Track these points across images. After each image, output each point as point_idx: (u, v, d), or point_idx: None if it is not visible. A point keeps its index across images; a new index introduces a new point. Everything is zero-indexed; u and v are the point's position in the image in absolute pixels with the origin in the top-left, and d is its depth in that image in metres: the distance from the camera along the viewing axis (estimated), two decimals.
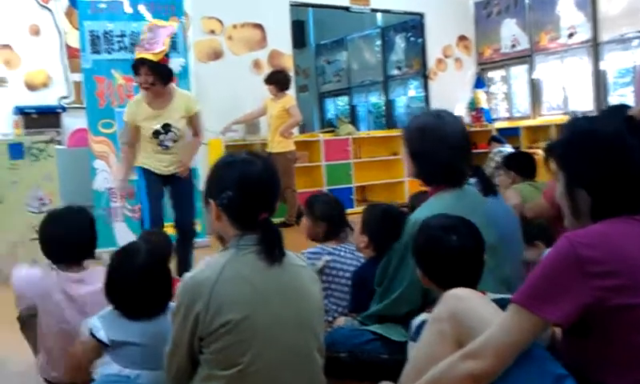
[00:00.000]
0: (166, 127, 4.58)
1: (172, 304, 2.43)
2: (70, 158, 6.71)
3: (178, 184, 4.76)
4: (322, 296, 2.22)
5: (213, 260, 1.93)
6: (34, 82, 8.03)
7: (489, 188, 3.63)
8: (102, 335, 2.25)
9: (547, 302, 1.65)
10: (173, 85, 4.70)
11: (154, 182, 4.71)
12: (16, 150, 5.99)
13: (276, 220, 7.57)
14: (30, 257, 6.00)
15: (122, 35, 6.60)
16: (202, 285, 1.85)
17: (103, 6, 6.68)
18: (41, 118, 7.72)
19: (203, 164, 7.72)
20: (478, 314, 1.84)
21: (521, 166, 4.65)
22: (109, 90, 6.51)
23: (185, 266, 4.56)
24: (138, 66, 4.45)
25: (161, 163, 4.68)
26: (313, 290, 2.03)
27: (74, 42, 7.68)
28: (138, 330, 2.29)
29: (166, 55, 4.61)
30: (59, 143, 7.40)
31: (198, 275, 1.89)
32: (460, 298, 1.90)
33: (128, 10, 6.74)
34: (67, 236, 2.75)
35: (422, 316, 2.16)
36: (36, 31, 8.04)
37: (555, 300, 1.65)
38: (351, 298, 3.10)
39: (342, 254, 3.31)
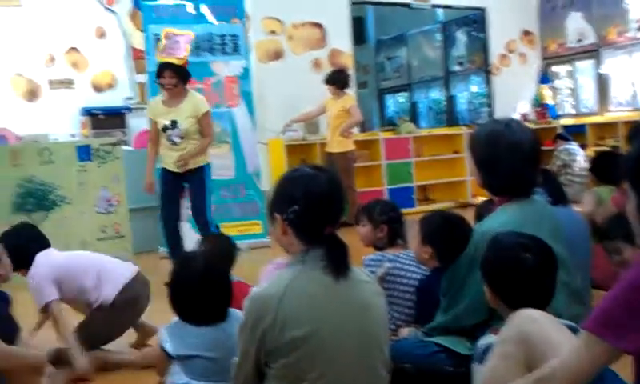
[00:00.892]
0: (174, 123, 5.02)
1: (233, 311, 2.48)
2: (136, 159, 6.82)
3: (190, 182, 5.19)
4: (386, 308, 2.20)
5: (279, 276, 1.93)
6: (100, 83, 8.24)
7: (559, 197, 3.56)
8: (169, 347, 2.29)
9: (621, 331, 1.59)
10: (189, 89, 5.18)
11: (170, 182, 5.18)
12: (84, 152, 6.16)
13: None
14: None
15: None
16: (268, 301, 1.85)
17: (167, 9, 6.78)
18: (107, 119, 7.93)
19: (264, 164, 7.81)
20: (548, 338, 1.79)
21: (601, 168, 4.44)
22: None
23: None
24: (163, 69, 4.95)
25: (171, 159, 5.10)
26: (378, 305, 2.01)
27: (139, 44, 7.85)
28: (202, 342, 2.33)
29: (187, 60, 5.14)
30: (125, 143, 7.58)
31: (265, 291, 1.90)
32: (531, 320, 1.85)
33: (191, 12, 6.82)
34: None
35: (488, 338, 2.11)
36: (102, 34, 8.26)
37: (630, 328, 1.58)
38: (416, 308, 3.07)
39: (404, 261, 3.27)
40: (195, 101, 5.10)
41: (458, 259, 2.54)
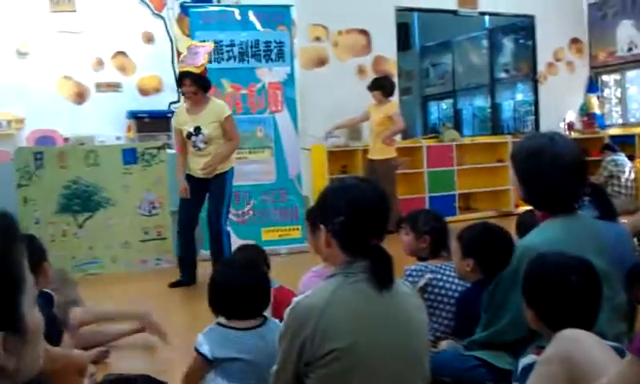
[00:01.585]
0: (197, 130, 5.20)
1: (272, 320, 2.50)
2: None
3: (213, 185, 5.34)
4: (427, 322, 2.18)
5: (322, 286, 1.93)
6: (147, 87, 8.37)
7: (607, 212, 3.46)
8: (206, 350, 2.31)
9: None
10: (211, 96, 5.41)
11: (192, 188, 5.29)
12: (129, 155, 6.26)
13: None
14: (139, 257, 6.33)
15: (232, 45, 6.76)
16: (309, 311, 1.85)
17: (214, 16, 6.86)
18: (152, 122, 8.03)
19: (306, 169, 7.82)
20: (592, 359, 1.75)
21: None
22: (218, 98, 6.66)
23: (216, 259, 5.21)
24: (182, 78, 5.17)
25: (197, 166, 5.26)
26: (419, 319, 2.00)
27: (185, 48, 7.94)
28: (241, 346, 2.35)
29: (205, 68, 5.35)
30: (169, 146, 7.67)
31: (307, 301, 1.89)
32: (574, 340, 1.81)
33: (238, 19, 6.88)
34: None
35: (530, 358, 2.07)
36: (149, 38, 8.38)
37: None
38: (456, 321, 3.03)
39: (446, 272, 3.23)
40: (217, 106, 5.31)
41: (499, 274, 2.50)
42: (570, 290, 1.96)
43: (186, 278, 5.41)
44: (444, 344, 2.94)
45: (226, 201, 5.43)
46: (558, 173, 2.38)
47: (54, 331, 2.79)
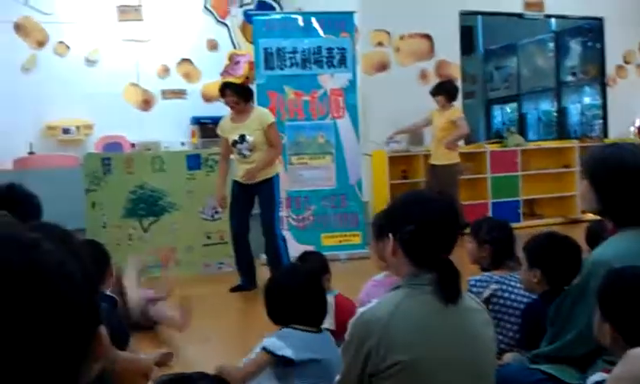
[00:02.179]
0: (242, 137, 5.28)
1: (327, 333, 2.54)
2: None
3: (259, 194, 5.40)
4: (495, 338, 2.13)
5: (388, 298, 1.91)
6: (210, 93, 8.48)
7: None
8: (289, 353, 2.33)
9: None
10: (254, 104, 5.54)
11: (239, 193, 5.41)
12: (193, 161, 6.37)
13: None
14: (202, 260, 6.42)
15: (294, 52, 6.80)
16: (374, 323, 1.83)
17: (277, 23, 6.92)
18: (215, 128, 8.13)
19: (366, 175, 7.80)
20: None
21: None
22: (280, 105, 6.73)
23: (272, 262, 5.33)
24: (224, 89, 5.29)
25: (241, 172, 5.35)
26: (486, 335, 1.96)
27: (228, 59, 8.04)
28: (313, 347, 2.38)
29: (247, 77, 5.53)
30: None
31: (371, 312, 1.88)
32: None
33: (301, 26, 6.92)
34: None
35: (598, 376, 2.01)
36: (213, 46, 8.51)
37: None
38: (521, 333, 2.97)
39: (511, 283, 3.17)
40: (260, 114, 5.41)
41: (567, 288, 2.45)
42: None
43: (246, 282, 5.46)
44: (509, 357, 2.89)
45: (277, 206, 5.50)
46: (637, 185, 2.33)
47: (122, 334, 2.86)
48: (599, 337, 2.04)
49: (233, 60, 5.44)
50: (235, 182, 5.45)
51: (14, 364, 0.74)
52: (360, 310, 1.95)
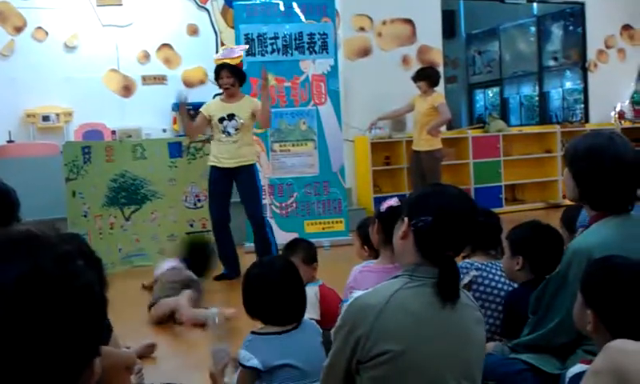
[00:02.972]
0: (231, 116, 5.31)
1: (309, 322, 2.50)
2: None
3: (242, 179, 5.37)
4: (485, 337, 2.13)
5: (384, 285, 1.90)
6: (192, 79, 8.44)
7: None
8: (256, 363, 2.30)
9: None
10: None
11: (218, 180, 5.38)
12: (175, 149, 6.33)
13: None
14: None
15: (275, 37, 6.76)
16: (367, 310, 1.83)
17: (258, 8, 6.86)
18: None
19: (349, 161, 7.80)
20: None
21: None
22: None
23: (262, 251, 5.33)
24: (220, 69, 5.30)
25: (222, 155, 5.33)
26: (477, 335, 1.97)
27: (229, 41, 7.97)
28: (286, 350, 2.33)
29: (241, 62, 5.59)
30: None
31: (366, 298, 1.87)
32: (627, 353, 1.75)
33: (282, 11, 6.87)
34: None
35: (578, 367, 2.02)
36: (194, 31, 8.43)
37: None
38: (502, 322, 2.98)
39: (492, 270, 3.17)
40: (251, 100, 5.48)
41: (548, 276, 2.46)
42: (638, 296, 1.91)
43: (230, 270, 5.46)
44: (490, 346, 2.89)
45: (260, 192, 5.55)
46: (618, 173, 2.34)
47: (104, 326, 2.83)
48: (580, 325, 2.04)
49: (226, 49, 5.52)
50: (214, 168, 5.41)
51: (25, 365, 0.80)
52: (354, 294, 1.95)
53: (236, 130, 5.32)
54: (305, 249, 3.51)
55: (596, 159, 2.39)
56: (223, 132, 5.33)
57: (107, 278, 2.84)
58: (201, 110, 5.50)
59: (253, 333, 2.39)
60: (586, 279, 2.03)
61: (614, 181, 2.34)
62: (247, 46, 5.83)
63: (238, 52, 5.41)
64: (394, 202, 2.94)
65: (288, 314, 2.40)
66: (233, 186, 5.48)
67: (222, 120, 5.33)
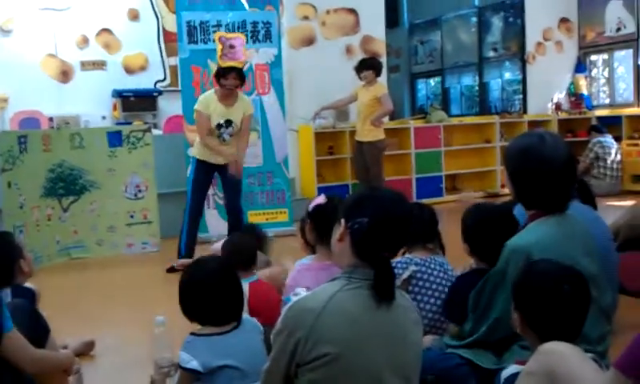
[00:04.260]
0: (228, 122, 5.30)
1: (248, 318, 2.50)
2: (165, 144, 6.88)
3: (226, 175, 5.45)
4: (422, 338, 2.16)
5: (322, 288, 1.92)
6: (132, 65, 8.28)
7: (590, 203, 3.50)
8: (195, 365, 2.28)
9: None
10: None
11: (204, 173, 5.46)
12: (115, 138, 6.21)
13: None
14: (125, 240, 6.31)
15: (218, 25, 6.66)
16: (306, 313, 1.84)
17: None
18: (138, 101, 7.97)
19: (293, 151, 7.80)
20: (575, 373, 1.76)
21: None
22: (204, 79, 6.62)
23: None
24: (228, 71, 5.25)
25: (215, 154, 5.36)
26: (414, 336, 1.99)
27: (171, 27, 7.86)
28: (226, 351, 2.32)
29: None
30: (155, 126, 7.62)
31: (305, 301, 1.89)
32: (558, 354, 1.82)
33: None
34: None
35: (512, 368, 2.08)
36: (135, 16, 8.28)
37: None
38: (445, 303, 2.98)
39: (430, 266, 3.22)
40: (245, 102, 5.48)
41: (487, 274, 2.50)
42: (562, 300, 1.96)
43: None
44: (428, 340, 2.95)
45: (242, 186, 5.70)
46: (548, 173, 2.37)
47: (40, 329, 2.77)
48: (514, 325, 2.10)
49: (225, 44, 5.35)
50: (203, 163, 5.42)
51: None
52: (294, 298, 1.96)
53: (230, 135, 5.36)
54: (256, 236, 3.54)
55: (525, 160, 2.42)
56: (219, 137, 5.33)
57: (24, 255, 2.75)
58: (200, 109, 5.30)
59: (192, 334, 2.37)
60: (516, 283, 2.09)
61: (544, 181, 2.37)
62: (242, 39, 5.63)
63: (241, 52, 5.37)
64: (321, 199, 2.96)
65: (225, 315, 2.39)
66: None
67: (219, 127, 5.30)
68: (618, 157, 8.88)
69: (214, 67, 6.49)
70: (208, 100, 5.33)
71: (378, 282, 1.87)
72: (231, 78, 5.23)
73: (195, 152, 5.49)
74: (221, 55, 5.31)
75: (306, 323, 1.83)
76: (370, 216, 1.90)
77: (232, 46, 5.28)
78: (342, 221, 1.95)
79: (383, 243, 1.90)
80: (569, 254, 2.24)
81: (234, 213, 5.55)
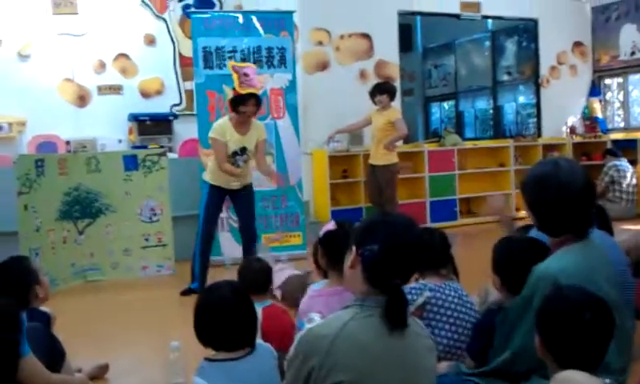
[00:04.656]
0: (243, 150, 5.39)
1: (262, 344, 2.49)
2: (180, 167, 6.92)
3: (241, 194, 5.54)
4: (435, 366, 2.15)
5: (335, 316, 1.93)
6: (148, 89, 8.36)
7: (606, 228, 3.48)
8: None
9: None
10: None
11: (217, 197, 5.50)
12: (130, 162, 6.26)
13: None
14: (140, 263, 6.33)
15: (234, 51, 6.74)
16: (320, 340, 1.85)
17: (216, 21, 6.83)
18: (153, 125, 8.03)
19: (307, 174, 7.82)
20: None
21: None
22: (219, 104, 6.67)
23: None
24: (248, 98, 5.29)
25: (230, 180, 5.43)
26: (428, 362, 1.99)
27: (187, 52, 7.94)
28: (240, 376, 2.32)
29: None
30: (170, 149, 7.66)
31: (318, 329, 1.90)
32: (573, 383, 1.80)
33: (240, 25, 6.86)
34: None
35: None
36: (151, 41, 8.37)
37: None
38: (470, 342, 2.97)
39: (445, 291, 3.21)
40: (258, 127, 5.54)
41: (511, 301, 2.47)
42: (583, 328, 1.93)
43: (201, 285, 5.38)
44: (443, 366, 2.94)
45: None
46: (566, 199, 2.36)
47: (56, 353, 2.79)
48: (538, 353, 2.07)
49: (239, 72, 5.38)
50: (217, 188, 5.46)
51: None
52: (307, 324, 1.96)
53: (245, 162, 5.44)
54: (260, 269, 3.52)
55: (543, 188, 2.42)
56: (233, 164, 5.38)
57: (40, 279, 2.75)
58: (217, 137, 5.32)
59: (206, 359, 2.37)
60: (539, 309, 2.07)
61: (563, 208, 2.36)
62: (254, 68, 5.69)
63: (256, 79, 5.42)
64: (331, 225, 2.98)
65: (238, 340, 2.38)
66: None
67: (234, 154, 5.35)
68: (634, 180, 8.83)
69: (229, 92, 6.55)
70: (224, 128, 5.36)
71: (389, 309, 1.87)
72: (250, 105, 5.29)
73: (209, 177, 5.51)
74: (239, 83, 5.36)
75: (319, 351, 1.83)
76: (380, 242, 1.91)
77: (246, 74, 5.33)
78: (354, 248, 1.96)
79: (394, 270, 1.91)
80: (593, 280, 2.24)
81: (247, 236, 5.58)
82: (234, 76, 5.37)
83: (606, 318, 1.97)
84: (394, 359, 1.88)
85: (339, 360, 1.82)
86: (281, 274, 5.12)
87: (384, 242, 1.91)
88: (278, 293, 4.98)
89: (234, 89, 5.41)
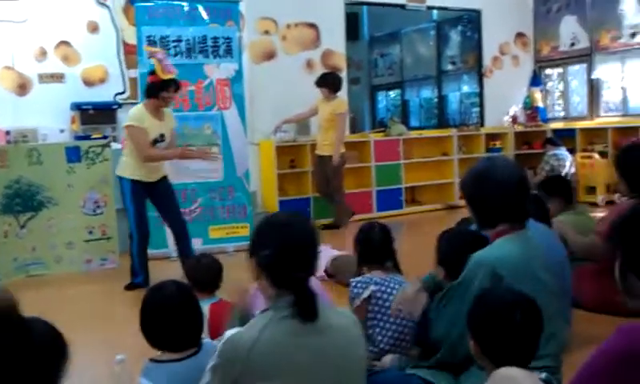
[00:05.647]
0: (162, 137, 5.32)
1: (208, 342, 2.47)
2: None
3: (160, 188, 5.43)
4: (366, 353, 2.18)
5: (252, 322, 1.93)
6: (91, 78, 8.18)
7: (545, 219, 3.64)
8: None
9: None
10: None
11: (141, 193, 5.34)
12: (73, 154, 6.14)
13: (324, 221, 7.55)
14: (83, 257, 6.23)
15: (179, 40, 6.66)
16: (239, 348, 1.85)
17: (161, 10, 6.72)
18: (97, 114, 7.85)
19: (254, 165, 7.81)
20: None
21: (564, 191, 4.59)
22: None
23: (187, 254, 5.34)
24: (170, 84, 5.24)
25: (150, 171, 5.32)
26: (355, 353, 2.00)
27: (131, 39, 7.79)
28: (184, 377, 2.32)
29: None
30: (114, 139, 7.53)
31: (236, 337, 1.88)
32: (510, 380, 1.87)
33: (185, 14, 6.78)
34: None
35: None
36: (94, 28, 8.18)
37: None
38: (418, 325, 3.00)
39: (390, 285, 3.27)
40: (170, 115, 5.50)
41: (448, 287, 2.56)
42: (514, 327, 2.00)
43: (145, 280, 5.35)
44: (387, 359, 3.00)
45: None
46: (502, 193, 2.51)
47: None
48: (474, 356, 2.12)
49: (158, 57, 5.31)
50: (137, 183, 5.29)
51: None
52: (228, 332, 1.97)
53: (164, 149, 5.38)
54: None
55: (480, 184, 2.57)
56: None
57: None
58: (138, 124, 5.17)
59: (151, 360, 2.36)
60: (470, 311, 2.12)
61: (500, 201, 2.50)
62: (165, 53, 5.64)
63: (171, 66, 5.35)
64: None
65: (183, 340, 2.37)
66: None
67: (155, 142, 5.27)
68: (572, 169, 9.09)
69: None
70: (142, 115, 5.23)
71: (298, 304, 1.89)
72: (172, 91, 5.26)
73: (128, 172, 5.30)
74: (161, 68, 5.27)
75: (239, 358, 1.83)
76: (271, 246, 1.94)
77: (160, 59, 5.28)
78: (252, 258, 1.99)
79: (293, 267, 1.93)
80: (530, 268, 2.39)
81: (177, 230, 5.50)
82: (155, 61, 5.30)
83: (534, 317, 2.04)
84: (315, 357, 1.89)
85: (259, 366, 1.82)
86: (324, 255, 5.12)
87: (275, 245, 1.94)
88: (322, 274, 5.02)
89: (151, 74, 5.31)
